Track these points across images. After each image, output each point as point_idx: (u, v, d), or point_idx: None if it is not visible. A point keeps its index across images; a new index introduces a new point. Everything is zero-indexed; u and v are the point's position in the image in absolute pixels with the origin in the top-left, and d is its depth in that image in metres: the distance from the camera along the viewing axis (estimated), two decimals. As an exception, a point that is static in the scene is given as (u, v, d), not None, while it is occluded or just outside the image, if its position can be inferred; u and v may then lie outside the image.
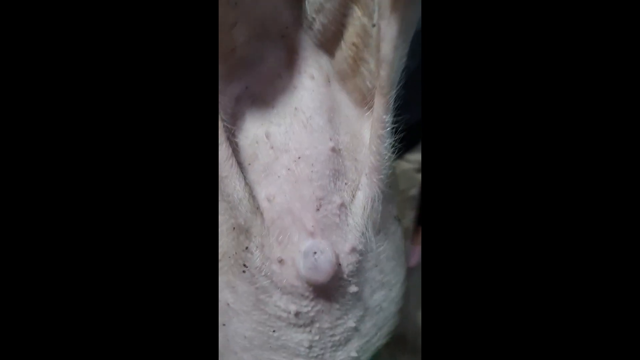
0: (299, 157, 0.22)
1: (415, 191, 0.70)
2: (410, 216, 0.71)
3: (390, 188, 0.25)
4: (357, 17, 0.22)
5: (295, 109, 0.23)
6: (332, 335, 0.23)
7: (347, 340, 0.26)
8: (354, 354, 0.26)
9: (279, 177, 0.22)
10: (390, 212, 0.26)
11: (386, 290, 0.27)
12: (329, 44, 0.24)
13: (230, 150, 0.22)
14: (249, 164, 0.23)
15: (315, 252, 0.21)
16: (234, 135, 0.23)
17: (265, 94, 0.24)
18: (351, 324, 0.25)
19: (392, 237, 0.25)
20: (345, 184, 0.24)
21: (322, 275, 0.22)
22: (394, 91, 0.22)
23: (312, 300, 0.22)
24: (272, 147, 0.22)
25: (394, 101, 0.22)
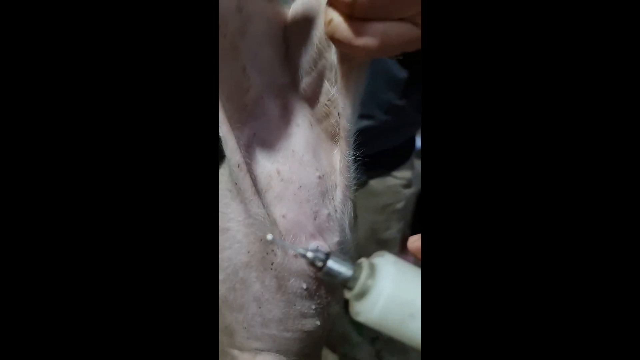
0: (300, 186, 0.32)
1: (402, 204, 0.77)
2: (397, 227, 0.78)
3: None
4: (326, 86, 0.32)
5: (293, 150, 0.33)
6: (326, 298, 0.35)
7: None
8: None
9: (289, 200, 0.32)
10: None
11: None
12: (310, 99, 0.34)
13: (251, 181, 0.31)
14: (265, 192, 0.32)
15: (317, 247, 0.32)
16: (251, 168, 0.32)
17: (271, 138, 0.33)
18: None
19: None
20: (329, 199, 0.34)
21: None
22: (352, 134, 0.31)
23: (314, 277, 0.33)
24: (282, 180, 0.32)
25: (353, 141, 0.32)
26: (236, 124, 0.30)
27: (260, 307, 0.33)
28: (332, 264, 0.25)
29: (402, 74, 0.62)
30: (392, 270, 0.24)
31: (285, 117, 0.34)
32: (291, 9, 0.31)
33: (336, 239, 0.34)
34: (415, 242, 0.28)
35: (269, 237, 0.28)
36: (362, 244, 0.74)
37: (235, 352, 0.35)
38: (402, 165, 0.74)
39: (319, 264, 0.26)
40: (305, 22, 0.30)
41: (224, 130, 0.29)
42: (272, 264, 0.32)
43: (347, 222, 0.34)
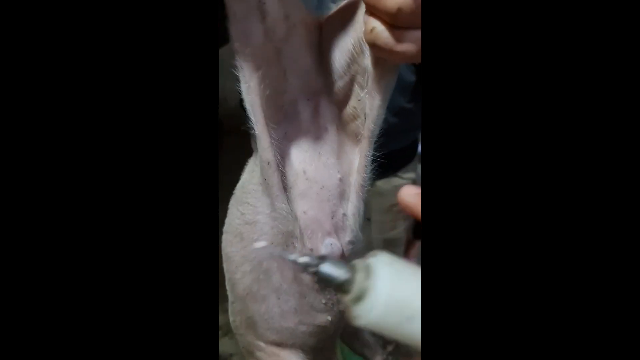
0: (323, 187, 0.35)
1: None
2: (403, 226, 0.81)
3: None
4: (356, 90, 0.34)
5: (319, 153, 0.35)
6: (336, 295, 0.37)
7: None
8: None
9: (311, 198, 0.34)
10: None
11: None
12: (341, 102, 0.36)
13: (279, 178, 0.33)
14: (291, 189, 0.34)
15: (331, 244, 0.35)
16: (280, 166, 0.34)
17: (300, 140, 0.35)
18: None
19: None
20: (346, 200, 0.37)
21: (334, 256, 0.35)
22: (375, 136, 0.33)
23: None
24: (307, 179, 0.34)
25: (374, 141, 0.34)
26: (271, 124, 0.32)
27: (279, 298, 0.35)
28: (325, 268, 0.24)
29: (412, 78, 0.64)
30: (388, 271, 0.23)
31: (316, 120, 0.36)
32: (327, 17, 0.33)
33: (348, 238, 0.36)
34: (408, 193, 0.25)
35: (261, 244, 0.30)
36: (370, 244, 0.77)
37: (262, 344, 0.38)
38: (407, 166, 0.76)
39: (312, 269, 0.24)
40: (342, 30, 0.32)
41: (259, 129, 0.31)
42: (290, 256, 0.34)
43: (358, 224, 0.37)
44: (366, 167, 0.35)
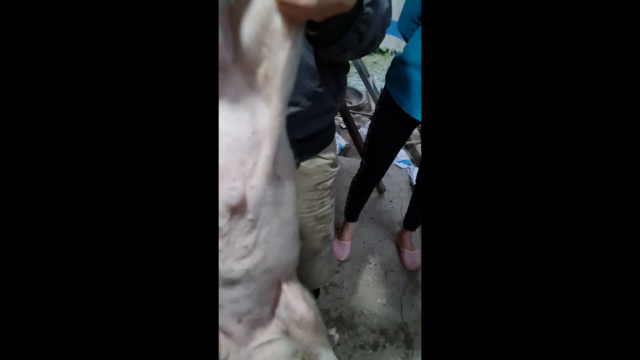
0: (234, 139, 0.40)
1: (331, 182, 0.86)
2: (330, 203, 0.86)
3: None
4: (265, 53, 0.40)
5: (233, 111, 0.41)
6: (233, 249, 0.43)
7: (243, 257, 0.45)
8: (247, 268, 0.45)
9: (221, 149, 0.40)
10: (276, 173, 0.45)
11: (273, 226, 0.45)
12: (253, 69, 0.41)
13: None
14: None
15: (233, 189, 0.40)
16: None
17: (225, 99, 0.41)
18: (246, 243, 0.45)
19: (279, 195, 0.45)
20: (257, 151, 0.42)
21: (234, 201, 0.41)
22: (284, 93, 0.38)
23: (228, 219, 0.41)
24: (220, 133, 0.40)
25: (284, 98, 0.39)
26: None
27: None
28: None
29: (314, 64, 0.68)
30: None
31: (230, 87, 0.41)
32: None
33: (254, 183, 0.42)
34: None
35: None
36: (302, 222, 0.82)
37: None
38: (327, 147, 0.82)
39: None
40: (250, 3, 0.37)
41: None
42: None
43: (266, 173, 0.42)
44: (277, 118, 0.40)
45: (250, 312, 0.52)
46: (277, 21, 0.35)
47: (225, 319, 0.52)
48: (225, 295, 0.48)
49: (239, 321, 0.53)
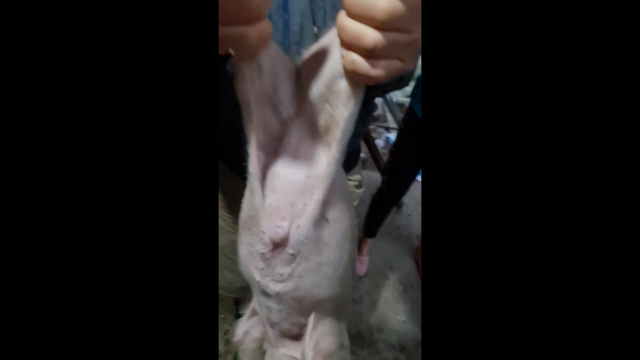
0: (290, 182, 0.43)
1: (356, 203, 0.90)
2: (355, 224, 0.89)
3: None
4: (328, 109, 0.43)
5: (294, 158, 0.43)
6: (272, 272, 0.46)
7: (277, 281, 0.47)
8: (279, 291, 0.48)
9: (279, 192, 0.42)
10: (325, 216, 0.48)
11: (311, 264, 0.48)
12: (314, 121, 0.44)
13: (260, 180, 0.41)
14: (266, 185, 0.42)
15: (278, 227, 0.43)
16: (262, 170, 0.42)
17: (280, 151, 0.43)
18: (282, 272, 0.47)
19: (328, 231, 0.47)
20: (309, 195, 0.45)
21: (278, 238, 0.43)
22: (342, 143, 0.42)
23: (271, 249, 0.44)
24: (279, 177, 0.43)
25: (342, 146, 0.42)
26: (260, 147, 0.40)
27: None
28: None
29: None
30: None
31: (292, 135, 0.44)
32: (305, 59, 0.42)
33: (299, 223, 0.44)
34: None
35: None
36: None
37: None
38: (353, 168, 0.84)
39: None
40: (319, 64, 0.40)
41: (252, 152, 0.40)
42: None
43: (318, 211, 0.45)
44: (333, 166, 0.43)
45: (280, 324, 0.54)
46: (343, 84, 0.38)
47: (262, 319, 0.56)
48: (262, 300, 0.52)
49: (271, 326, 0.56)
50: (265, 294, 0.49)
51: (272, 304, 0.50)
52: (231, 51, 0.33)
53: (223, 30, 0.30)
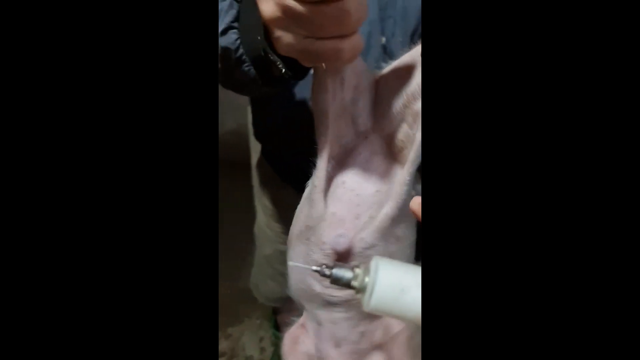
0: (357, 194, 0.43)
1: None
2: None
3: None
4: (404, 128, 0.42)
5: (364, 170, 0.44)
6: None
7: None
8: (346, 299, 0.48)
9: (343, 202, 0.43)
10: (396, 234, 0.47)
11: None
12: (389, 138, 0.44)
13: (323, 190, 0.42)
14: (329, 193, 0.44)
15: (340, 236, 0.43)
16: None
17: (349, 162, 0.44)
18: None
19: (393, 247, 0.47)
20: (380, 207, 0.45)
21: (340, 248, 0.43)
22: (416, 163, 0.40)
23: (333, 259, 0.44)
24: (345, 188, 0.43)
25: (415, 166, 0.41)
26: (331, 159, 0.41)
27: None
28: (336, 271, 0.31)
29: None
30: (380, 264, 0.30)
31: (366, 150, 0.45)
32: (384, 74, 0.42)
33: (363, 236, 0.43)
34: (417, 202, 0.30)
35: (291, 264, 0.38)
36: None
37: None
38: None
39: (327, 272, 0.32)
40: (399, 83, 0.40)
41: (321, 164, 0.41)
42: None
43: (384, 227, 0.44)
44: (404, 186, 0.42)
45: (349, 338, 0.54)
46: (418, 104, 0.37)
47: (322, 342, 0.54)
48: (324, 315, 0.50)
49: (337, 346, 0.56)
50: (330, 303, 0.49)
51: (338, 313, 0.50)
52: (323, 65, 0.33)
53: (317, 45, 0.31)
